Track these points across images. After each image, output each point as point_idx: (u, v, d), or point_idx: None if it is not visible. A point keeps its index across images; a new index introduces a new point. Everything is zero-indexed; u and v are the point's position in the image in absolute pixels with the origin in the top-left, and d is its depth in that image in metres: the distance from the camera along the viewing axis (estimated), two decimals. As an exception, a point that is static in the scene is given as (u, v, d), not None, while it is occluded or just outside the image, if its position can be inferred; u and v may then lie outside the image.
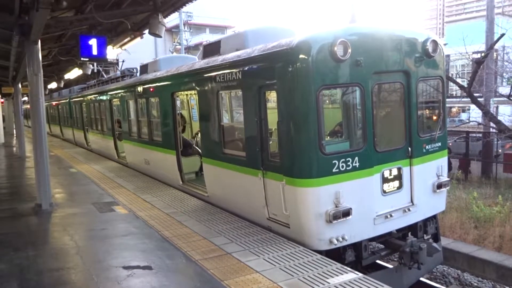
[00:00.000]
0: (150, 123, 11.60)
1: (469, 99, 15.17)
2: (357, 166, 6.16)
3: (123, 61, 24.37)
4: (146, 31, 10.03)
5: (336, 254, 6.11)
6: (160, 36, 9.23)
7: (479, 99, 16.58)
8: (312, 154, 5.91)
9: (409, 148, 6.84)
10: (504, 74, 20.91)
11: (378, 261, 8.03)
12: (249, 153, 7.06)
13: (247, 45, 7.57)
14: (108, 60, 13.74)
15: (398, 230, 6.99)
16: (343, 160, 6.04)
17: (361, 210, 6.20)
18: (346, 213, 5.98)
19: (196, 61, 9.70)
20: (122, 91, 13.74)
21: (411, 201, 6.90)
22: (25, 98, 29.70)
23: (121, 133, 14.73)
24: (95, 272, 5.41)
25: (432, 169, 7.17)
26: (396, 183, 6.70)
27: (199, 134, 10.56)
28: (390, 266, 8.25)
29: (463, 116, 45.30)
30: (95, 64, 24.50)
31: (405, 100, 6.84)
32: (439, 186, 7.21)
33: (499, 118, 14.86)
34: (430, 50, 6.82)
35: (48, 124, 29.02)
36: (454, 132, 22.23)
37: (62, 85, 22.27)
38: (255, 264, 5.43)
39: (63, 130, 26.42)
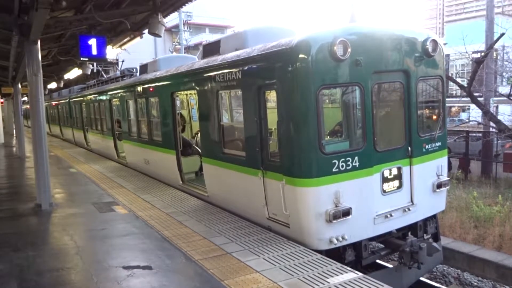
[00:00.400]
0: (150, 123, 11.59)
1: (469, 99, 15.16)
2: (357, 165, 6.15)
3: (122, 61, 24.38)
4: (146, 31, 10.02)
5: (336, 254, 6.10)
6: (160, 36, 9.22)
7: (479, 98, 16.57)
8: (312, 154, 5.91)
9: (409, 148, 6.83)
10: (504, 73, 20.89)
11: (378, 261, 8.03)
12: (249, 153, 7.06)
13: (246, 45, 7.56)
14: (108, 60, 13.76)
15: (398, 230, 6.98)
16: (343, 159, 6.03)
17: (361, 210, 6.20)
18: (346, 212, 5.98)
19: (196, 61, 9.70)
20: (122, 91, 13.74)
21: (411, 200, 6.90)
22: (25, 98, 29.67)
23: (120, 133, 14.73)
24: (95, 272, 5.40)
25: (432, 168, 7.17)
26: (396, 183, 6.70)
27: (199, 134, 10.56)
28: (390, 266, 8.25)
29: (463, 115, 45.31)
30: (94, 64, 24.50)
31: (405, 100, 6.84)
32: (439, 185, 7.21)
33: (499, 117, 14.85)
34: (430, 49, 6.82)
35: (48, 124, 29.01)
36: (454, 131, 22.22)
37: (61, 85, 22.26)
38: (255, 263, 5.43)
39: (63, 130, 26.41)
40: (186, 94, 13.58)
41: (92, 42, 9.09)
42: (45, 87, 17.77)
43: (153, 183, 10.92)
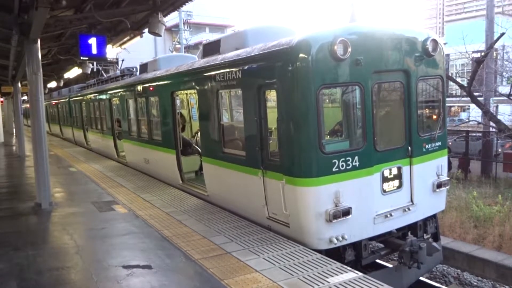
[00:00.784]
0: (149, 122, 11.59)
1: (469, 99, 15.16)
2: (357, 165, 6.15)
3: (122, 60, 24.39)
4: (146, 30, 10.01)
5: (336, 254, 6.10)
6: (160, 35, 9.21)
7: (479, 98, 16.56)
8: (312, 153, 5.91)
9: (409, 148, 6.83)
10: (504, 73, 20.88)
11: (378, 261, 8.03)
12: (249, 152, 7.06)
13: (247, 44, 7.56)
14: (108, 59, 13.73)
15: (398, 230, 6.98)
16: (343, 159, 6.03)
17: (361, 210, 6.20)
18: (346, 212, 5.98)
19: (196, 60, 9.69)
20: (122, 90, 13.73)
21: (411, 200, 6.90)
22: (25, 97, 29.65)
23: (120, 132, 14.73)
24: (94, 272, 5.40)
25: (432, 168, 7.17)
26: (396, 183, 6.70)
27: (199, 133, 10.56)
28: (390, 266, 8.25)
29: (463, 115, 45.34)
30: (94, 63, 24.53)
31: (405, 99, 6.84)
32: (439, 185, 7.21)
33: (499, 117, 14.85)
34: (430, 49, 6.82)
35: (48, 123, 29.01)
36: (454, 131, 22.22)
37: (61, 84, 22.26)
38: (255, 263, 5.42)
39: (63, 129, 26.40)
40: (186, 94, 13.58)
41: (92, 41, 9.09)
42: (45, 86, 17.74)
43: (153, 183, 10.92)
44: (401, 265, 6.75)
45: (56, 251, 6.32)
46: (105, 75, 23.42)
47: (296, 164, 6.05)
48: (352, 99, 6.74)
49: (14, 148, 21.66)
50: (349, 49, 5.86)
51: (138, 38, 10.99)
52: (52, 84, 23.19)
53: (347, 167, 6.07)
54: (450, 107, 44.24)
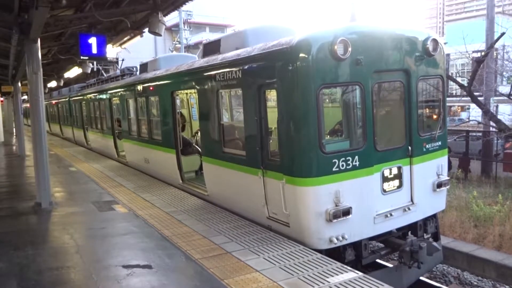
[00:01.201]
0: (150, 122, 11.59)
1: (469, 98, 15.16)
2: (357, 165, 6.15)
3: (122, 60, 24.37)
4: (146, 30, 10.00)
5: (336, 253, 6.10)
6: (160, 35, 9.21)
7: (479, 98, 16.57)
8: (312, 153, 5.90)
9: (409, 147, 6.83)
10: (504, 73, 20.90)
11: (378, 260, 8.03)
12: (249, 152, 7.05)
13: (247, 44, 7.55)
14: (108, 58, 13.72)
15: (398, 229, 6.98)
16: (343, 159, 6.03)
17: (361, 209, 6.19)
18: (346, 212, 5.97)
19: (196, 60, 9.69)
20: (122, 90, 13.73)
21: (411, 200, 6.90)
22: (25, 97, 29.66)
23: (121, 132, 14.73)
24: (94, 271, 5.40)
25: (432, 168, 7.17)
26: (396, 182, 6.69)
27: (199, 133, 10.55)
28: (390, 265, 8.25)
29: (463, 115, 45.33)
30: (94, 62, 24.51)
31: (405, 99, 6.83)
32: (439, 185, 7.20)
33: (499, 117, 14.85)
34: (431, 49, 6.81)
35: (48, 123, 29.00)
36: (454, 131, 22.21)
37: (61, 83, 22.28)
38: (255, 263, 5.42)
39: (63, 129, 26.41)
40: (186, 93, 13.57)
41: (92, 40, 9.09)
42: (45, 86, 17.75)
43: (153, 182, 10.92)
44: (401, 264, 6.75)
45: (56, 251, 6.32)
46: (105, 75, 23.42)
47: (296, 163, 6.05)
48: (352, 99, 6.73)
49: (14, 147, 21.65)
50: (350, 49, 5.85)
51: (138, 37, 10.99)
52: (52, 84, 23.21)
53: (347, 167, 6.06)
54: (450, 106, 44.23)
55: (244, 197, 7.45)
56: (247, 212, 7.39)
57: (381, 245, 7.33)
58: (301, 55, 5.84)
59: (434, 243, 6.94)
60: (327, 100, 6.99)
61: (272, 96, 6.63)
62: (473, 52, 16.88)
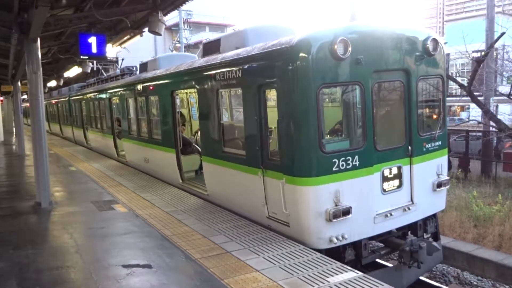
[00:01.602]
0: (149, 122, 11.58)
1: (469, 98, 15.16)
2: (357, 164, 6.14)
3: (122, 59, 24.41)
4: (146, 29, 10.01)
5: (336, 253, 6.09)
6: (160, 34, 9.21)
7: (479, 98, 16.57)
8: (312, 153, 5.90)
9: (409, 147, 6.82)
10: (504, 73, 20.91)
11: (378, 260, 8.03)
12: (249, 151, 7.05)
13: (247, 44, 7.55)
14: (108, 58, 13.76)
15: (398, 229, 6.97)
16: (343, 158, 6.02)
17: (361, 209, 6.19)
18: (346, 212, 5.97)
19: (196, 60, 9.68)
20: (122, 89, 13.72)
21: (411, 200, 6.89)
22: (25, 96, 29.67)
23: (120, 131, 14.73)
24: (94, 271, 5.40)
25: (432, 168, 7.16)
26: (396, 182, 6.69)
27: (199, 133, 10.54)
28: (390, 265, 8.25)
29: (463, 115, 45.35)
30: (94, 62, 24.51)
31: (405, 99, 6.83)
32: (439, 185, 7.20)
33: (499, 117, 14.85)
34: (431, 48, 6.81)
35: (48, 122, 29.00)
36: (454, 131, 22.21)
37: (61, 83, 22.28)
38: (254, 262, 5.42)
39: (63, 129, 26.40)
40: (186, 93, 13.58)
41: (92, 40, 9.09)
42: (44, 85, 17.78)
43: (153, 182, 10.92)
44: (401, 264, 6.75)
45: (56, 250, 6.32)
46: (105, 74, 23.42)
47: (296, 163, 6.05)
48: (352, 99, 6.73)
49: (14, 147, 21.65)
50: (350, 49, 5.85)
51: (138, 37, 11.00)
52: (52, 83, 23.20)
53: (347, 167, 6.06)
54: (450, 106, 44.25)
55: (244, 196, 7.45)
56: (247, 212, 7.39)
57: (381, 244, 7.33)
58: (301, 54, 5.83)
59: (434, 243, 6.95)
60: (327, 99, 6.98)
61: (272, 95, 6.62)
62: (473, 52, 16.88)
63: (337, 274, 5.03)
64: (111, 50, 12.21)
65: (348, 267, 5.30)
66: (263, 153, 6.69)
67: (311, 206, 5.94)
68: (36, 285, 5.11)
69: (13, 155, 18.72)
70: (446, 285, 8.98)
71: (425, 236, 7.41)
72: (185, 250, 5.93)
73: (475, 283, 9.09)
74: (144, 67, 12.76)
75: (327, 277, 4.94)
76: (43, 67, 9.22)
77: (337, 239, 6.02)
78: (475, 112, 30.31)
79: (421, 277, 8.04)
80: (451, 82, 15.70)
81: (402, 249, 6.56)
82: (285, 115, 6.13)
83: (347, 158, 6.06)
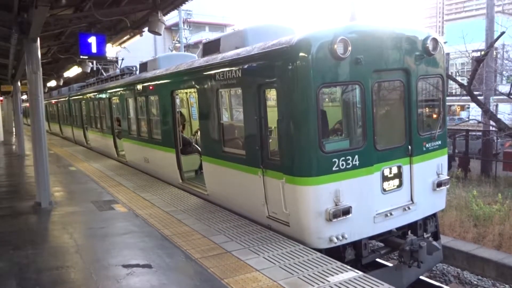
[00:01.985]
0: (149, 121, 11.58)
1: (469, 98, 15.16)
2: (357, 164, 6.14)
3: (122, 59, 24.41)
4: (146, 29, 10.01)
5: (336, 253, 6.09)
6: (160, 34, 9.21)
7: (479, 97, 16.56)
8: (312, 153, 5.90)
9: (409, 147, 6.82)
10: (504, 72, 20.90)
11: (378, 260, 8.03)
12: (248, 151, 7.05)
13: (247, 43, 7.55)
14: (108, 58, 13.75)
15: (398, 229, 6.97)
16: (343, 158, 6.02)
17: (361, 209, 6.19)
18: (346, 211, 5.97)
19: (196, 59, 9.68)
20: (122, 89, 13.72)
21: (411, 199, 6.89)
22: (24, 96, 29.66)
23: (120, 131, 14.72)
24: (94, 271, 5.40)
25: (432, 167, 7.16)
26: (396, 182, 6.69)
27: (199, 132, 10.54)
28: (390, 265, 8.25)
29: (463, 114, 45.37)
30: (94, 62, 24.51)
31: (405, 98, 6.83)
32: (439, 184, 7.20)
33: (499, 116, 14.84)
34: (431, 48, 6.80)
35: (48, 122, 28.99)
36: (454, 130, 22.21)
37: (61, 83, 22.28)
38: (255, 262, 5.42)
39: (63, 128, 26.40)
40: (186, 93, 13.58)
41: (92, 40, 9.09)
42: (44, 85, 17.78)
43: (153, 182, 10.91)
44: (401, 264, 6.75)
45: (56, 250, 6.32)
46: (105, 74, 23.42)
47: (296, 163, 6.05)
48: (352, 98, 6.73)
49: (13, 147, 21.65)
50: (349, 48, 5.85)
51: (138, 37, 11.00)
52: (52, 83, 23.21)
53: (347, 166, 6.06)
54: (450, 106, 44.26)
55: (244, 196, 7.44)
56: (247, 212, 7.39)
57: (381, 244, 7.33)
58: (301, 54, 5.83)
59: (434, 243, 6.95)
60: (327, 99, 6.98)
61: (272, 95, 6.62)
62: (473, 51, 16.87)
63: (337, 274, 5.03)
64: (111, 50, 12.21)
65: (348, 267, 5.30)
66: (263, 153, 6.69)
67: (311, 205, 5.94)
68: (36, 285, 5.11)
69: (13, 155, 18.72)
70: (446, 284, 8.99)
71: (425, 235, 7.41)
72: (185, 250, 5.93)
73: (475, 282, 9.09)
74: (144, 67, 12.76)
75: (327, 277, 4.94)
76: (43, 67, 9.22)
77: (337, 238, 6.02)
78: (475, 112, 30.33)
79: (421, 277, 8.04)
80: (451, 82, 15.70)
81: (402, 249, 6.56)
82: (285, 115, 6.13)
83: (347, 157, 6.06)
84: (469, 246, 9.97)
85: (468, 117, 32.49)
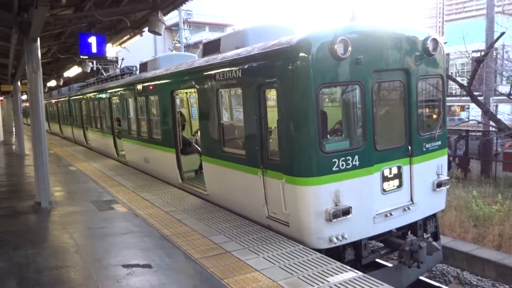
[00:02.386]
0: (149, 121, 11.58)
1: (469, 98, 15.16)
2: (357, 164, 6.14)
3: (122, 59, 24.39)
4: (146, 29, 10.00)
5: (336, 253, 6.10)
6: (160, 34, 9.20)
7: (479, 97, 16.57)
8: (312, 153, 5.90)
9: (409, 147, 6.82)
10: (504, 72, 20.90)
11: (377, 260, 8.03)
12: (248, 151, 7.05)
13: (247, 43, 7.55)
14: (108, 58, 13.74)
15: (398, 229, 6.98)
16: (343, 158, 6.02)
17: (361, 209, 6.19)
18: (346, 211, 5.97)
19: (196, 59, 9.68)
20: (122, 89, 13.72)
21: (411, 199, 6.89)
22: (24, 96, 29.66)
23: (120, 131, 14.72)
24: (94, 271, 5.40)
25: (432, 167, 7.16)
26: (396, 182, 6.69)
27: (199, 132, 10.54)
28: (390, 265, 8.25)
29: (463, 114, 45.38)
30: (94, 62, 24.50)
31: (405, 99, 6.83)
32: (439, 184, 7.20)
33: (499, 116, 14.85)
34: (431, 48, 6.81)
35: (47, 122, 28.98)
36: (454, 130, 22.20)
37: (61, 83, 22.27)
38: (254, 262, 5.42)
39: (63, 128, 26.39)
40: (186, 93, 13.58)
41: (92, 40, 9.08)
42: (44, 85, 17.78)
43: (153, 182, 10.91)
44: (401, 264, 6.75)
45: (56, 250, 6.32)
46: (105, 74, 23.41)
47: (296, 163, 6.05)
48: (352, 98, 6.73)
49: (13, 147, 21.65)
50: (350, 48, 5.85)
51: (138, 37, 10.99)
52: (52, 83, 23.20)
53: (347, 167, 6.06)
54: (450, 106, 44.26)
55: (243, 196, 7.44)
56: (246, 212, 7.39)
57: (381, 244, 7.33)
58: (301, 54, 5.83)
59: (434, 243, 6.94)
60: (327, 99, 6.98)
61: (272, 95, 6.62)
62: (473, 51, 16.89)
63: (337, 274, 5.03)
64: (111, 50, 12.20)
65: (348, 267, 5.30)
66: (263, 153, 6.69)
67: (311, 206, 5.94)
68: (36, 285, 5.11)
69: (13, 154, 18.71)
70: (446, 285, 8.98)
71: (425, 236, 7.41)
72: (185, 250, 5.93)
73: (475, 283, 9.09)
74: (144, 67, 12.76)
75: (327, 277, 4.94)
76: (43, 66, 9.21)
77: (337, 239, 6.02)
78: (475, 112, 30.35)
79: (421, 277, 8.04)
80: (451, 82, 15.70)
81: (402, 249, 6.56)
82: (285, 115, 6.13)
83: (347, 158, 6.06)
84: (469, 246, 9.97)
85: (468, 118, 32.47)
